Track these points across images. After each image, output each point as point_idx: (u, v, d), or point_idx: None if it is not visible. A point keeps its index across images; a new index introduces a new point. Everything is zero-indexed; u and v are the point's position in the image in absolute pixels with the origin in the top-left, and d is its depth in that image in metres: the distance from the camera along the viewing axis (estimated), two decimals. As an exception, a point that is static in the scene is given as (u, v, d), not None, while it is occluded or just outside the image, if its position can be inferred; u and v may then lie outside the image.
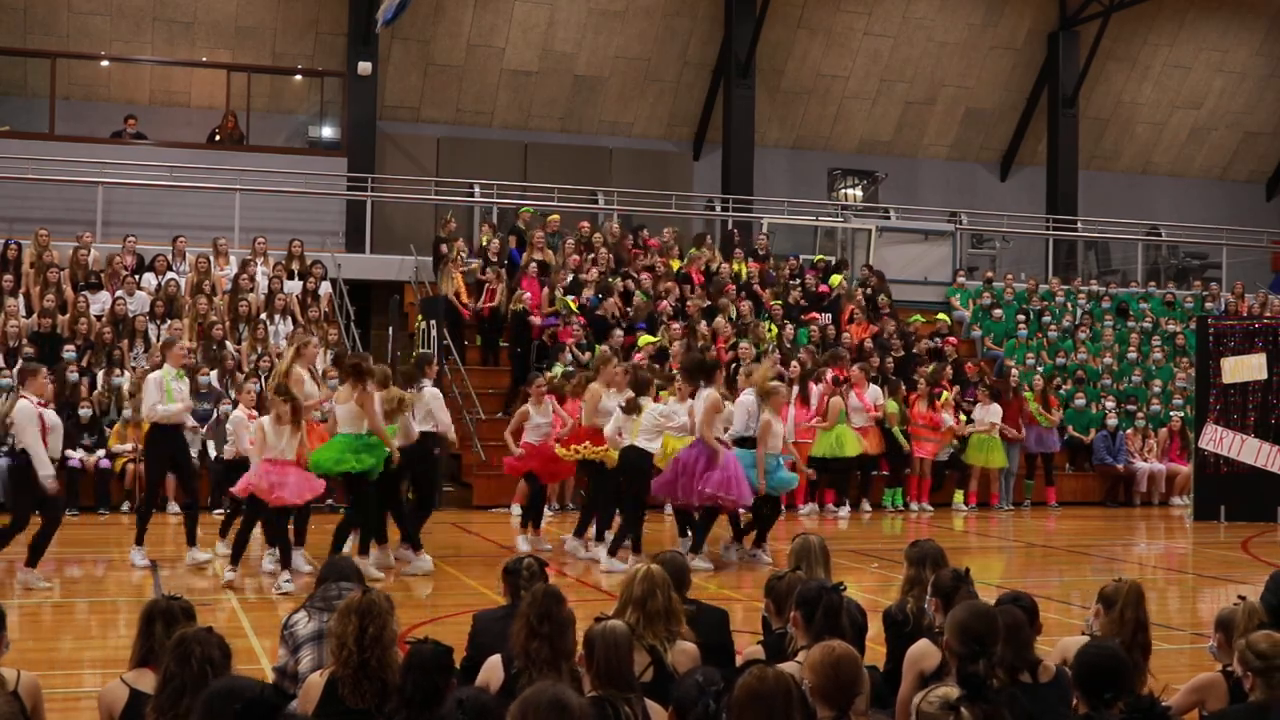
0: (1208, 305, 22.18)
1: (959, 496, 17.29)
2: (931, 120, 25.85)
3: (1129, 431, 18.64)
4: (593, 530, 11.85)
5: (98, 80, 21.87)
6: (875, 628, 6.07)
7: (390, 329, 18.61)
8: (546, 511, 14.35)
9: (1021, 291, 21.63)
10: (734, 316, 18.39)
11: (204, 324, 16.64)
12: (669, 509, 14.27)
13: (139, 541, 10.83)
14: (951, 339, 19.70)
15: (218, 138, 21.36)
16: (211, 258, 17.96)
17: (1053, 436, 18.02)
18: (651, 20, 23.50)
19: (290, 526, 10.36)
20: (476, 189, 21.03)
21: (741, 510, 11.69)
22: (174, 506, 14.04)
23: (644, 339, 17.14)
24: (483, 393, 17.32)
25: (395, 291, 19.41)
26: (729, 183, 23.48)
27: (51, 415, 10.11)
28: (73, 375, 15.04)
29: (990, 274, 22.36)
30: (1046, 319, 21.15)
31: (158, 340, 16.32)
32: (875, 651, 6.03)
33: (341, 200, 20.89)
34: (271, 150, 21.28)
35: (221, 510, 14.69)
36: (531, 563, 5.65)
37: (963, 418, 17.29)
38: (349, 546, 10.57)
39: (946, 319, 20.48)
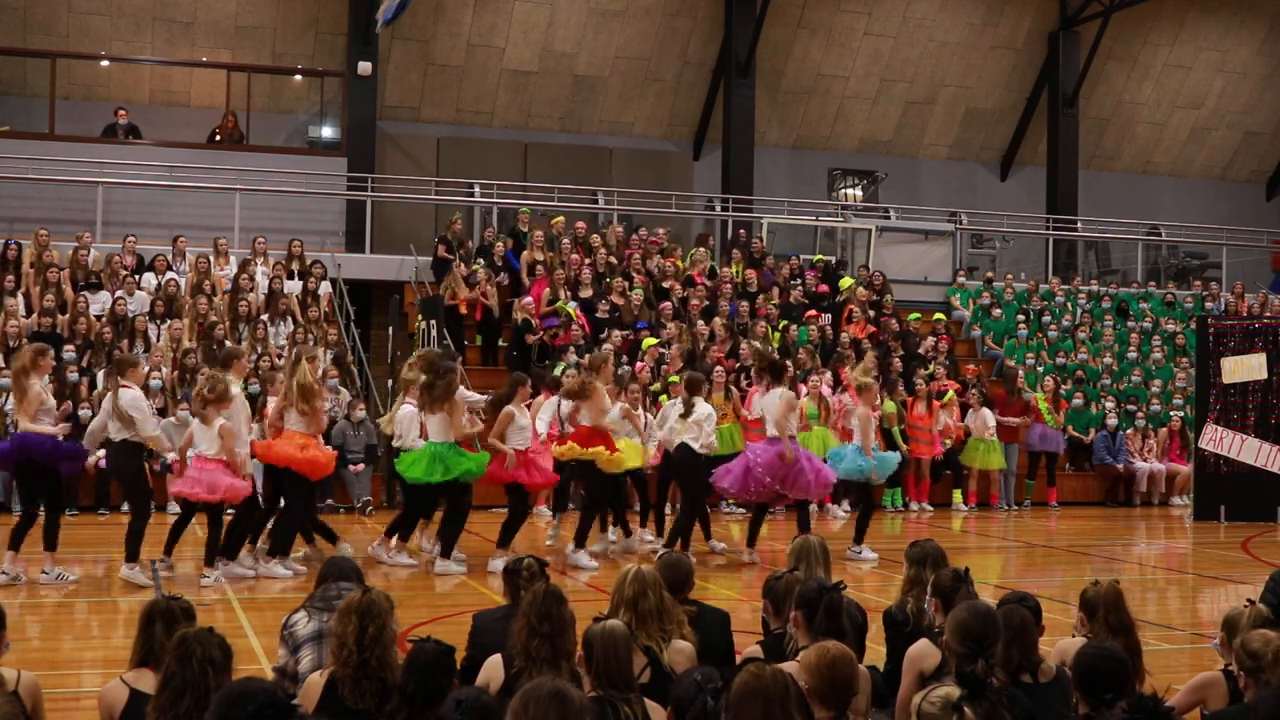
0: (1208, 305, 22.18)
1: (958, 496, 17.30)
2: (931, 120, 25.85)
3: (1129, 431, 18.63)
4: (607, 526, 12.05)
5: (97, 80, 21.86)
6: (875, 628, 6.07)
7: (390, 329, 18.60)
8: (545, 511, 14.37)
9: (1021, 291, 21.63)
10: (734, 315, 18.41)
11: (204, 324, 16.63)
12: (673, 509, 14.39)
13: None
14: (946, 337, 19.68)
15: (218, 138, 21.35)
16: (211, 258, 17.96)
17: (1057, 436, 18.02)
18: (651, 20, 23.50)
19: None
20: (476, 189, 21.03)
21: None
22: (174, 506, 14.05)
23: (647, 341, 17.11)
24: (483, 393, 17.26)
25: (395, 291, 19.41)
26: (729, 183, 23.48)
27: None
28: (73, 375, 15.03)
29: (990, 274, 22.36)
30: (1046, 319, 21.14)
31: (157, 340, 16.34)
32: (875, 651, 6.03)
33: (341, 200, 20.88)
34: (271, 150, 21.28)
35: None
36: (532, 563, 5.65)
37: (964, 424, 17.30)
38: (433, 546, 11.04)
39: (944, 317, 20.47)
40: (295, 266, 18.37)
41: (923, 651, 5.09)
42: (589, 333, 17.26)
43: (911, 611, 5.70)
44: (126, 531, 10.17)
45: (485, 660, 4.96)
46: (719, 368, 15.54)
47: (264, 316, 17.03)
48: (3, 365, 15.14)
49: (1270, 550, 13.58)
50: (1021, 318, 20.68)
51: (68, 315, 16.20)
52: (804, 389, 15.88)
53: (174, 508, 13.84)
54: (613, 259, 19.22)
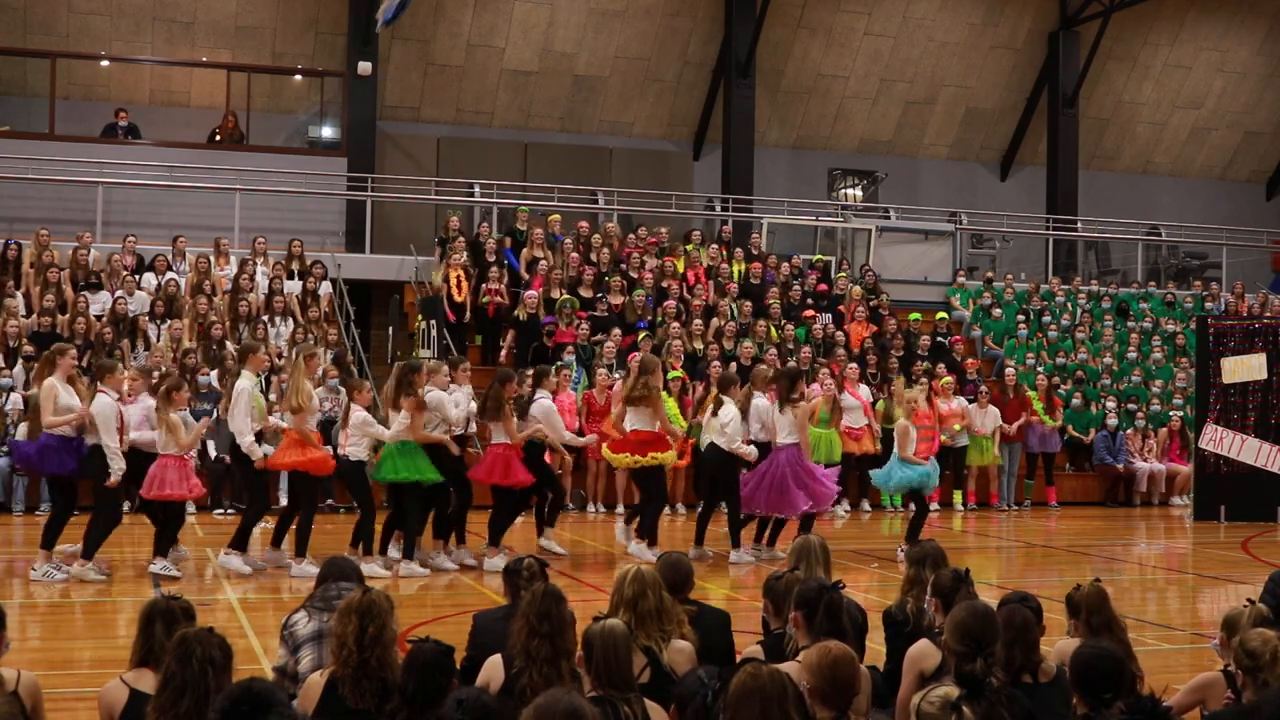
0: (1208, 305, 22.18)
1: (958, 496, 17.30)
2: (931, 120, 25.85)
3: (1129, 431, 18.63)
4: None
5: (97, 80, 21.87)
6: (875, 627, 6.07)
7: (390, 329, 18.59)
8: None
9: (1021, 291, 21.62)
10: (734, 315, 18.40)
11: (204, 324, 16.63)
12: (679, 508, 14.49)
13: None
14: (958, 338, 19.70)
15: (218, 137, 21.35)
16: (211, 258, 17.96)
17: (1054, 436, 18.02)
18: (651, 20, 23.50)
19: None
20: (476, 189, 21.02)
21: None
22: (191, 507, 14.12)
23: (673, 374, 16.76)
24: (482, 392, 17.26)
25: (395, 291, 19.41)
26: (729, 183, 23.49)
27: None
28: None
29: (990, 274, 22.36)
30: (1046, 319, 21.14)
31: (158, 340, 16.34)
32: (875, 651, 6.03)
33: (341, 200, 20.88)
34: (271, 150, 21.28)
35: (222, 511, 14.75)
36: (532, 563, 5.65)
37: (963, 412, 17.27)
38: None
39: (946, 316, 20.47)
40: (295, 266, 18.37)
41: (923, 651, 5.09)
42: (587, 318, 17.31)
43: (911, 611, 5.70)
44: (86, 529, 10.26)
45: (485, 660, 4.96)
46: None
47: (264, 316, 17.03)
48: (2, 366, 15.15)
49: (1270, 550, 13.58)
50: (1021, 318, 20.68)
51: (68, 315, 16.19)
52: (818, 389, 15.88)
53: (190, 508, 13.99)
54: (612, 259, 19.21)
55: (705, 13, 23.69)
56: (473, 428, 12.04)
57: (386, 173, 21.82)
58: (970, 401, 17.27)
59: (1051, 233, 24.75)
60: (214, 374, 15.47)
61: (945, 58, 25.26)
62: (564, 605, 4.63)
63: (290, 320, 17.15)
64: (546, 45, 23.21)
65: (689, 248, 19.90)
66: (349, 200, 20.80)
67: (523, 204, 20.28)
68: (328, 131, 23.14)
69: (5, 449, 14.12)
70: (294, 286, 17.84)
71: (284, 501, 12.83)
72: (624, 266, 19.10)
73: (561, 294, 17.91)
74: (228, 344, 16.26)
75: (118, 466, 10.09)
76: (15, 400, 14.73)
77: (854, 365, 16.53)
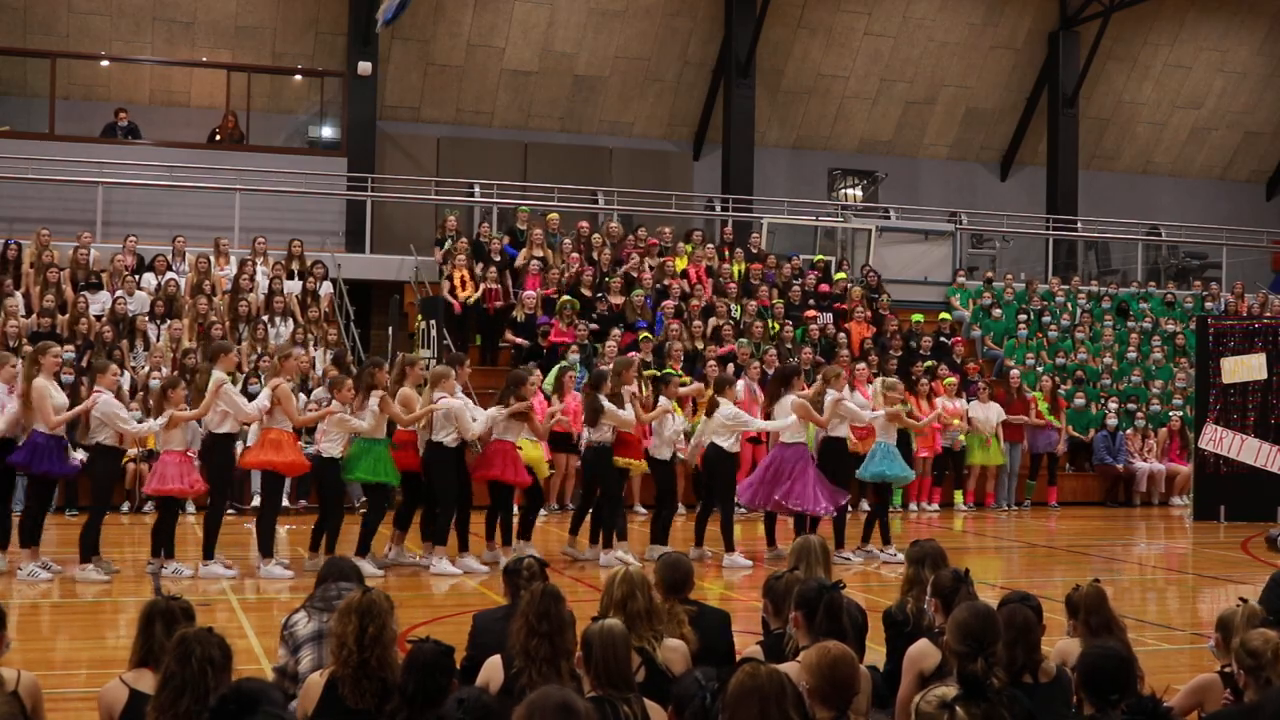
0: (1208, 305, 22.17)
1: (959, 496, 17.30)
2: (931, 120, 25.85)
3: (1129, 431, 18.63)
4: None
5: (97, 80, 21.87)
6: (875, 627, 6.07)
7: (390, 329, 18.59)
8: (542, 512, 14.33)
9: (1021, 291, 21.62)
10: (732, 314, 18.40)
11: (204, 324, 16.63)
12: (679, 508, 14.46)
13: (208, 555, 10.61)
14: (959, 339, 19.71)
15: (218, 137, 21.35)
16: (211, 258, 17.96)
17: (1056, 436, 18.02)
18: (651, 20, 23.50)
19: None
20: (476, 189, 21.02)
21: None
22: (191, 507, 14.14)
23: (680, 378, 16.83)
24: (482, 392, 17.27)
25: (395, 291, 19.40)
26: (729, 183, 23.48)
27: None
28: (69, 376, 15.00)
29: (990, 274, 22.36)
30: (1046, 319, 21.14)
31: (158, 340, 16.34)
32: (875, 651, 6.02)
33: (341, 200, 20.88)
34: (271, 150, 21.27)
35: (230, 512, 14.74)
36: (531, 562, 5.65)
37: (964, 412, 17.28)
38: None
39: (948, 316, 20.48)
40: (295, 266, 18.37)
41: (923, 651, 5.09)
42: (588, 322, 17.32)
43: (911, 611, 5.70)
44: (83, 531, 10.28)
45: (485, 660, 4.96)
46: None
47: (264, 317, 17.03)
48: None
49: (1269, 550, 13.57)
50: (1022, 318, 20.67)
51: (68, 315, 16.19)
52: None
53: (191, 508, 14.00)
54: (613, 259, 19.22)
55: (705, 13, 23.69)
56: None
57: (386, 173, 21.82)
58: (969, 401, 17.28)
59: (1051, 233, 24.75)
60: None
61: (945, 58, 25.26)
62: (563, 605, 4.63)
63: (290, 320, 17.14)
64: (546, 45, 23.21)
65: (689, 247, 19.91)
66: (349, 200, 20.80)
67: (523, 204, 20.28)
68: (328, 131, 23.14)
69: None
70: (294, 286, 17.84)
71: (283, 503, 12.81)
72: (624, 266, 19.10)
73: (566, 298, 17.91)
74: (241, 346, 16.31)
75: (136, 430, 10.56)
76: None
77: (862, 365, 16.52)
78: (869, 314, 19.52)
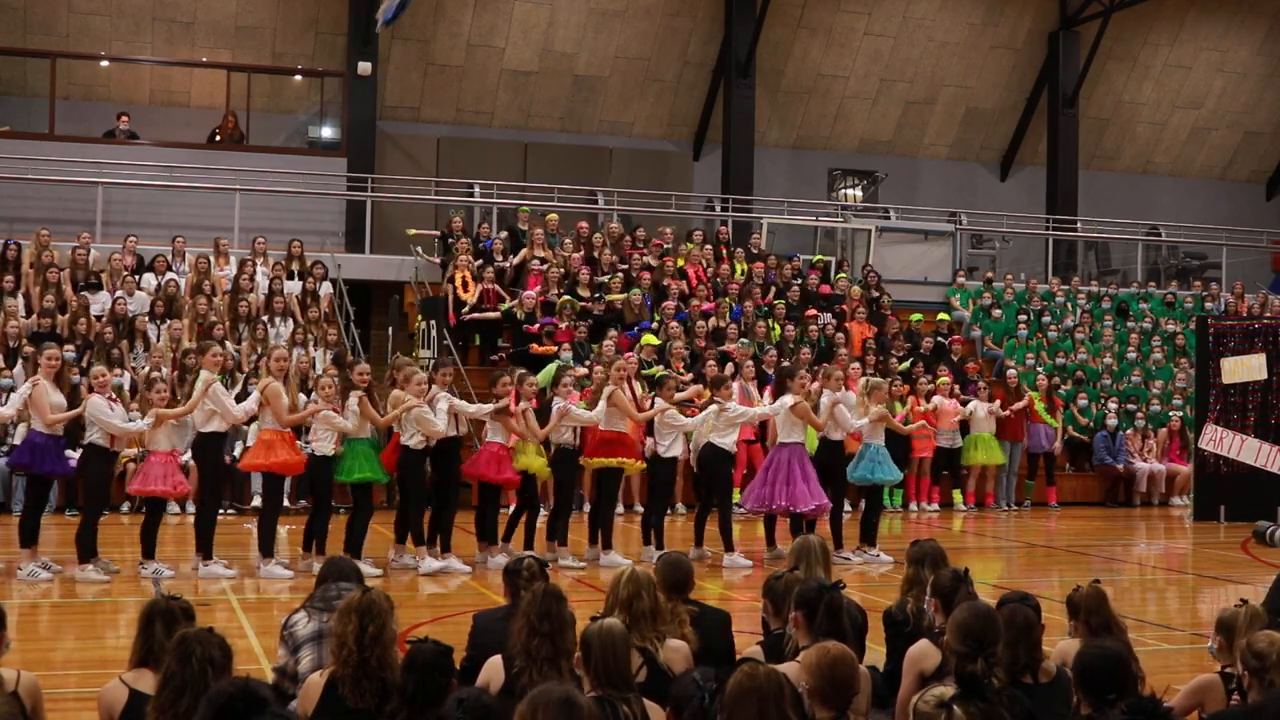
0: (1208, 305, 22.17)
1: (958, 496, 17.30)
2: (931, 120, 25.85)
3: (1129, 432, 18.64)
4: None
5: (97, 80, 21.86)
6: (875, 627, 6.07)
7: (390, 329, 18.59)
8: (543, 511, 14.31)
9: (1021, 291, 21.62)
10: (731, 314, 18.41)
11: (204, 324, 16.62)
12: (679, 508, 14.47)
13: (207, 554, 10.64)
14: (959, 339, 19.71)
15: (217, 138, 21.34)
16: (211, 258, 17.95)
17: (1051, 435, 18.01)
18: (651, 20, 23.50)
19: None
20: (476, 189, 21.01)
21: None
22: (174, 507, 14.10)
23: (646, 338, 17.10)
24: (482, 392, 17.26)
25: (395, 291, 19.40)
26: (729, 183, 23.48)
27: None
28: (73, 377, 15.00)
29: (990, 274, 22.36)
30: (1046, 319, 21.14)
31: (157, 340, 16.33)
32: (875, 651, 6.02)
33: (341, 200, 20.87)
34: (271, 150, 21.26)
35: (230, 511, 14.74)
36: (532, 563, 5.65)
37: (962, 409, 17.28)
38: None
39: (947, 317, 20.48)
40: (295, 267, 18.36)
41: (923, 651, 5.09)
42: (588, 323, 17.33)
43: (911, 611, 5.70)
44: (78, 532, 10.30)
45: (485, 660, 4.95)
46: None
47: (264, 317, 17.03)
48: (2, 366, 15.15)
49: (1269, 551, 13.57)
50: (1022, 318, 20.68)
51: (68, 315, 16.19)
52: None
53: (174, 508, 13.99)
54: (614, 259, 19.21)
55: (705, 13, 23.69)
56: (464, 429, 11.97)
57: (386, 173, 21.81)
58: (966, 404, 17.29)
59: (1051, 233, 24.75)
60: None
61: (945, 58, 25.26)
62: (564, 605, 4.63)
63: (290, 320, 17.14)
64: (546, 45, 23.21)
65: (689, 246, 19.90)
66: (349, 200, 20.79)
67: (523, 204, 20.28)
68: (327, 131, 23.14)
69: (5, 450, 14.12)
70: (294, 287, 17.83)
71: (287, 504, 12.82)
72: (625, 266, 19.10)
73: (565, 297, 17.90)
74: (228, 344, 16.25)
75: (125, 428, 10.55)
76: (15, 401, 14.70)
77: (856, 365, 16.51)
78: (868, 314, 19.51)
